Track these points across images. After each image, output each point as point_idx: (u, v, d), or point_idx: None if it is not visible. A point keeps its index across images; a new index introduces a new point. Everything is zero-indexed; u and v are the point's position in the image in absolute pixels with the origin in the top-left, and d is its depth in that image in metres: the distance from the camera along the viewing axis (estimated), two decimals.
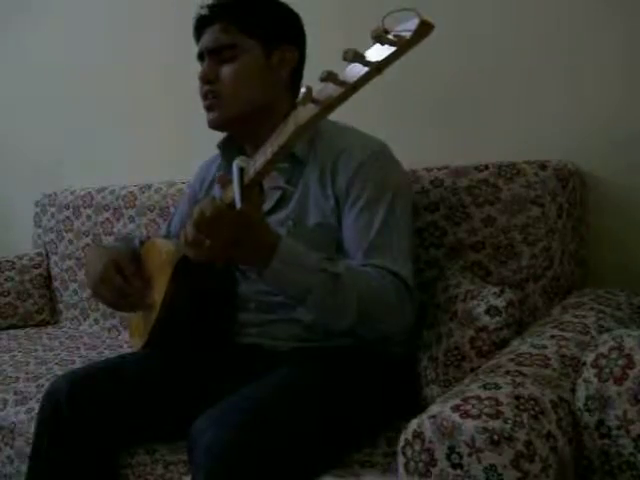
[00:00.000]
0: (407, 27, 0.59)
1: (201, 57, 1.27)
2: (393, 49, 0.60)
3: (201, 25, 1.27)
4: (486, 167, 1.35)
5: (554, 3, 1.45)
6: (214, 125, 1.26)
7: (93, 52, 2.46)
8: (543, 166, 1.32)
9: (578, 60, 1.43)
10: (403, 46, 0.59)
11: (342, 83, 0.66)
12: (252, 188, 0.90)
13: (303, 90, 0.70)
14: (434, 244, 1.38)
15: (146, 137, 2.32)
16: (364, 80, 0.64)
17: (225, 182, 0.94)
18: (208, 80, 1.24)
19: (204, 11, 1.26)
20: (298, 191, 1.23)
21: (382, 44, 0.60)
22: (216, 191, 1.36)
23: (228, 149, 1.32)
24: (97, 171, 2.46)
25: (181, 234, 1.04)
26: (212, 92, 1.23)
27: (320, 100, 0.69)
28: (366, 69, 0.63)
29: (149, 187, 2.11)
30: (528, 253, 1.30)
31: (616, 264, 1.41)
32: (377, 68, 0.62)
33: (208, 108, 1.25)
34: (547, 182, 1.30)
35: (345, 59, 0.63)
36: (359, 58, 0.62)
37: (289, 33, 1.27)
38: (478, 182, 1.34)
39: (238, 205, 0.88)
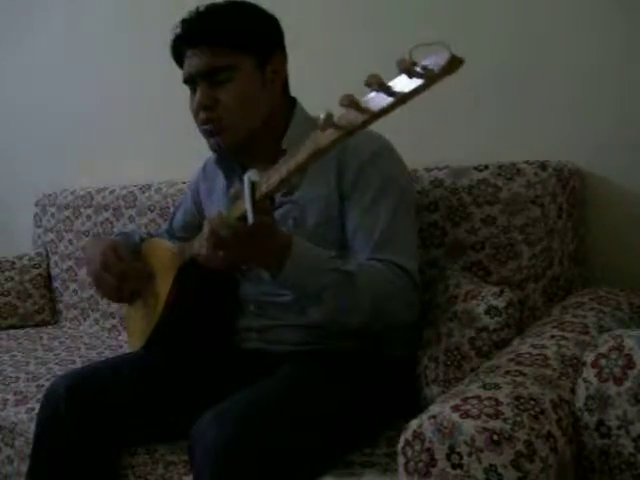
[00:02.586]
0: (436, 61, 0.57)
1: (188, 81, 1.20)
2: (420, 82, 0.59)
3: (182, 45, 1.19)
4: (486, 167, 1.35)
5: (554, 3, 1.45)
6: (220, 151, 1.22)
7: (94, 52, 2.46)
8: (543, 166, 1.32)
9: (578, 60, 1.42)
10: (431, 80, 0.59)
11: (365, 111, 0.64)
12: (264, 202, 0.90)
13: (323, 116, 0.69)
14: (434, 244, 1.38)
15: (147, 137, 2.32)
16: (388, 110, 0.63)
17: (235, 195, 0.94)
18: (205, 107, 1.17)
19: (184, 31, 1.18)
20: (300, 188, 1.22)
21: (410, 77, 0.59)
22: (216, 201, 1.36)
23: (225, 163, 1.29)
24: (97, 171, 2.46)
25: (193, 244, 1.07)
26: (212, 119, 1.17)
27: (341, 126, 0.68)
28: (391, 99, 0.62)
29: (149, 187, 2.11)
30: (528, 253, 1.30)
31: (616, 264, 1.41)
32: (402, 99, 0.61)
33: (209, 134, 1.19)
34: (547, 182, 1.30)
35: (368, 86, 0.62)
36: (384, 88, 0.61)
37: (276, 40, 1.23)
38: (478, 182, 1.34)
39: (250, 221, 0.88)
